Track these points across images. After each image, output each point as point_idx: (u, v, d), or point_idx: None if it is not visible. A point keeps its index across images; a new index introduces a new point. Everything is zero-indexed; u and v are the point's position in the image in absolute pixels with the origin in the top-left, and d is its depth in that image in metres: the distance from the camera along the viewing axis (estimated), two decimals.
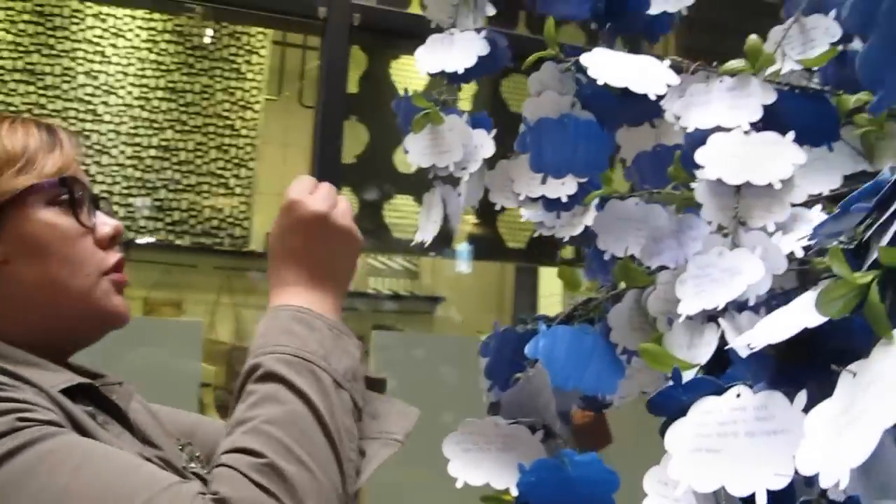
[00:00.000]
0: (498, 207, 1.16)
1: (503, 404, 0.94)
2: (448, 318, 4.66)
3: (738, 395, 0.62)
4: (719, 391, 0.63)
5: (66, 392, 0.76)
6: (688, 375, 0.80)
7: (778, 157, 0.90)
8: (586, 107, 0.99)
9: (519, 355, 0.94)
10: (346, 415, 0.76)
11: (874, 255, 0.53)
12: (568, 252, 4.05)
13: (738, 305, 0.85)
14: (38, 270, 0.82)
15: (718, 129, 0.93)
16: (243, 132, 3.73)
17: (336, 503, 0.71)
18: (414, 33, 1.22)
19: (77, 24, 3.43)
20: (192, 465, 0.88)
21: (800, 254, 0.87)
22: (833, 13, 1.02)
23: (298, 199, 0.85)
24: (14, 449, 0.65)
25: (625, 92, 0.93)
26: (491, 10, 1.21)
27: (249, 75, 3.74)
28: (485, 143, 1.10)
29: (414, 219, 1.33)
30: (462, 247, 3.60)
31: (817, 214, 0.90)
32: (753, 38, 0.96)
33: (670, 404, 0.64)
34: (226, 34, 3.70)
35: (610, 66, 0.94)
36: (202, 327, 2.92)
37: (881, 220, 0.54)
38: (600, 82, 0.91)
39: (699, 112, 0.95)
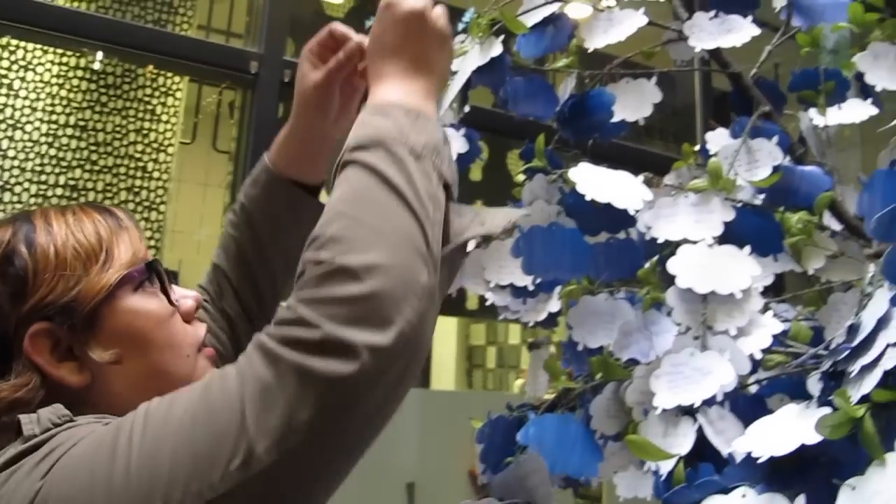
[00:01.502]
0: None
1: (494, 486, 1.02)
2: None
3: (744, 496, 0.73)
4: (725, 491, 0.74)
5: None
6: (667, 465, 0.92)
7: (738, 269, 1.03)
8: (570, 214, 1.10)
9: (508, 441, 1.03)
10: (428, 181, 0.74)
11: (865, 390, 0.66)
12: (473, 303, 4.17)
13: (707, 400, 0.97)
14: (144, 363, 0.81)
15: (685, 240, 1.06)
16: (155, 175, 3.68)
17: (418, 261, 0.68)
18: None
19: None
20: None
21: (758, 356, 1.00)
22: (775, 138, 1.18)
23: (394, 1, 0.87)
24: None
25: (605, 204, 1.05)
26: (467, 108, 1.32)
27: (164, 117, 3.70)
28: None
29: None
30: None
31: (770, 320, 1.04)
32: (715, 160, 1.10)
33: (683, 502, 0.74)
34: (141, 74, 3.66)
35: (594, 181, 1.05)
36: None
37: (867, 362, 0.67)
38: (588, 198, 1.03)
39: (667, 224, 1.08)
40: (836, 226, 1.34)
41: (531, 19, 1.30)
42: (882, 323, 0.70)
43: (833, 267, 1.30)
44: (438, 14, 0.89)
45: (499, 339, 6.58)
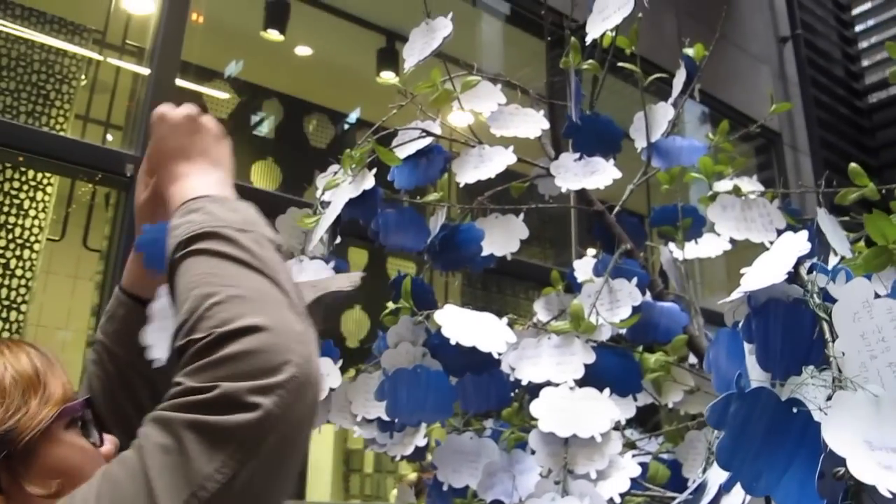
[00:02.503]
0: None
1: None
2: None
3: None
4: None
5: None
6: None
7: (598, 413, 1.05)
8: (434, 355, 1.10)
9: None
10: (261, 247, 0.76)
11: None
12: None
13: None
14: None
15: (548, 382, 1.08)
16: (18, 272, 3.49)
17: (286, 312, 0.69)
18: None
19: None
20: None
21: (617, 500, 1.01)
22: (635, 280, 1.23)
23: (166, 111, 0.91)
24: None
25: (471, 346, 1.06)
26: (338, 239, 1.32)
27: (32, 212, 3.54)
28: (331, 373, 1.17)
29: None
30: None
31: (629, 462, 1.06)
32: (576, 303, 1.13)
33: None
34: (9, 166, 3.51)
35: (459, 324, 1.06)
36: None
37: None
38: (453, 342, 1.03)
39: (531, 366, 1.10)
40: (693, 359, 1.40)
41: (404, 152, 1.33)
42: (723, 489, 0.72)
43: (691, 400, 1.35)
44: (208, 117, 0.94)
45: None
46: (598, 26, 1.13)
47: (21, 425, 0.75)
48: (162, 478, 0.60)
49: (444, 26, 1.23)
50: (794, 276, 0.75)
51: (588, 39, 1.18)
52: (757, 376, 0.78)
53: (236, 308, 0.68)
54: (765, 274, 0.75)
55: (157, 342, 0.98)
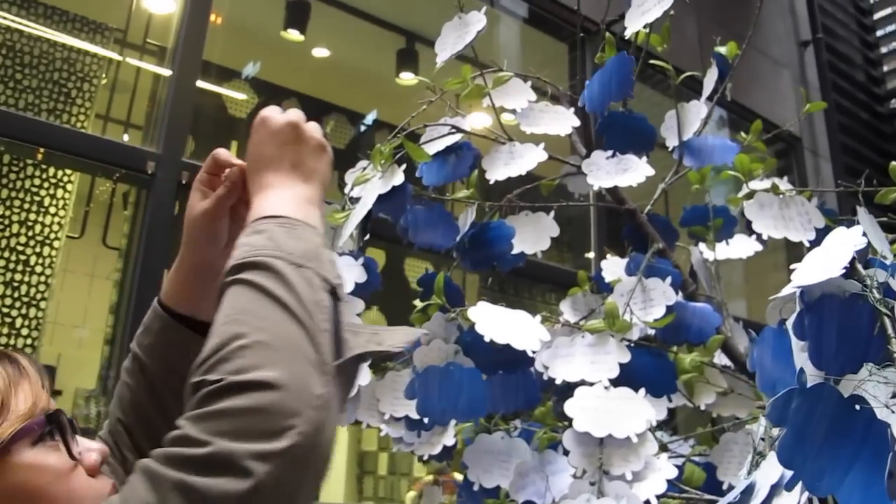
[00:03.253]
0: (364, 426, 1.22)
1: None
2: None
3: None
4: None
5: None
6: None
7: (634, 413, 1.03)
8: (467, 353, 1.08)
9: None
10: (310, 289, 0.72)
11: None
12: None
13: None
14: None
15: (583, 381, 1.06)
16: (38, 269, 3.50)
17: (310, 371, 0.65)
18: None
19: None
20: None
21: (654, 502, 0.99)
22: (669, 279, 1.21)
23: (269, 115, 0.88)
24: None
25: (504, 344, 1.04)
26: (367, 236, 1.30)
27: (52, 209, 3.55)
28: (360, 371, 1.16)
29: None
30: None
31: (665, 463, 1.03)
32: (611, 301, 1.11)
33: None
34: (31, 163, 3.52)
35: (493, 321, 1.04)
36: None
37: None
38: (487, 339, 1.01)
39: (564, 365, 1.08)
40: (726, 361, 1.38)
41: (433, 148, 1.31)
42: (775, 489, 0.70)
43: (724, 402, 1.32)
44: (313, 126, 0.90)
45: (390, 445, 6.40)
46: (638, 20, 1.11)
47: None
48: None
49: (477, 20, 1.22)
50: (849, 272, 0.73)
51: (627, 34, 1.16)
52: (810, 374, 0.75)
53: (257, 357, 0.64)
54: (819, 269, 0.73)
55: None
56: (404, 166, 1.26)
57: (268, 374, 0.63)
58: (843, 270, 0.69)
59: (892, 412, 0.57)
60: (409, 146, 1.26)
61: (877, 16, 6.46)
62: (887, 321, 0.65)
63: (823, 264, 0.74)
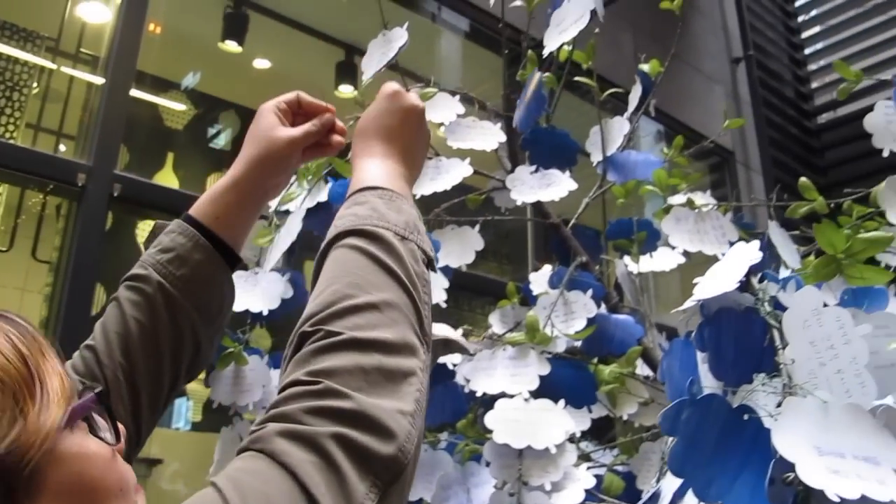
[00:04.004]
0: None
1: None
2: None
3: None
4: None
5: None
6: None
7: (552, 424, 1.05)
8: None
9: None
10: (415, 261, 0.74)
11: None
12: None
13: None
14: None
15: (503, 393, 1.07)
16: None
17: (414, 338, 0.68)
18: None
19: None
20: None
21: None
22: (590, 292, 1.24)
23: (401, 90, 0.90)
24: None
25: None
26: (293, 254, 1.30)
27: None
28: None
29: None
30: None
31: (584, 473, 1.06)
32: (532, 314, 1.13)
33: None
34: None
35: None
36: None
37: None
38: None
39: (485, 378, 1.09)
40: (647, 371, 1.41)
41: None
42: (677, 497, 0.72)
43: (645, 412, 1.35)
44: (429, 125, 0.95)
45: None
46: (555, 39, 1.13)
47: (22, 443, 0.56)
48: (328, 496, 0.55)
49: (400, 37, 1.23)
50: (745, 286, 0.76)
51: (545, 52, 1.19)
52: (710, 384, 0.78)
53: (372, 317, 0.67)
54: (717, 283, 0.75)
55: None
56: (330, 183, 1.27)
57: (385, 335, 0.65)
58: (739, 284, 0.72)
59: (775, 420, 0.59)
60: (336, 162, 1.26)
61: (805, 34, 6.68)
62: (776, 333, 0.68)
63: (723, 278, 0.77)
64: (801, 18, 6.76)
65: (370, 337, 0.65)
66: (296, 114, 0.99)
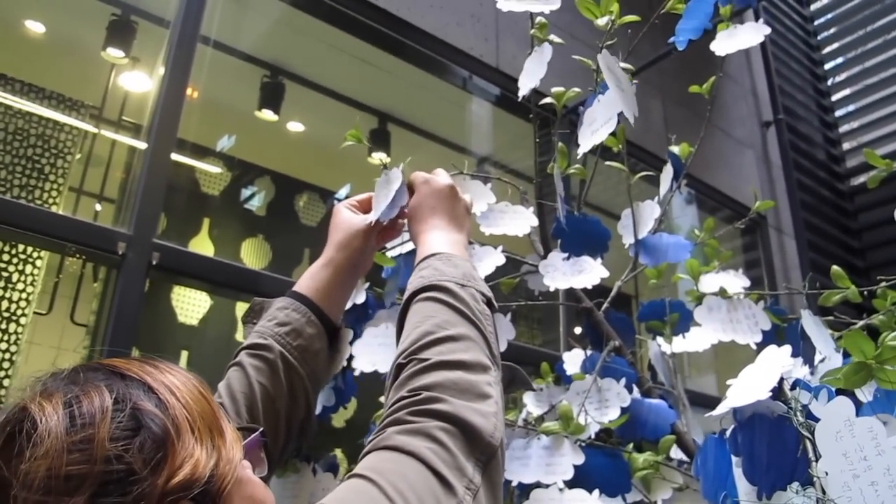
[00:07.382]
0: None
1: None
2: None
3: None
4: None
5: None
6: None
7: None
8: None
9: None
10: (476, 302, 0.93)
11: None
12: None
13: None
14: None
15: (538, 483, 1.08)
16: (2, 346, 3.47)
17: (483, 357, 0.86)
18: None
19: None
20: None
21: None
22: (623, 381, 1.25)
23: (431, 178, 1.15)
24: None
25: None
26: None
27: (20, 286, 3.54)
28: None
29: None
30: None
31: None
32: (565, 404, 1.15)
33: None
34: None
35: None
36: None
37: None
38: None
39: (521, 468, 1.10)
40: (681, 455, 1.41)
41: (397, 252, 1.36)
42: None
43: (680, 498, 1.35)
44: (457, 188, 1.16)
45: None
46: (588, 140, 1.17)
47: (220, 473, 0.66)
48: (444, 469, 0.70)
49: (396, 178, 1.20)
50: (778, 391, 0.77)
51: (580, 152, 1.22)
52: (744, 488, 0.79)
53: (451, 346, 0.84)
54: (749, 389, 0.77)
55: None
56: (368, 284, 1.31)
57: (463, 357, 0.83)
58: (770, 392, 0.74)
59: None
60: (377, 256, 1.30)
61: (835, 97, 6.70)
62: (808, 444, 0.69)
63: (755, 383, 0.78)
64: (830, 81, 6.78)
65: (452, 359, 0.82)
66: (366, 210, 1.21)
